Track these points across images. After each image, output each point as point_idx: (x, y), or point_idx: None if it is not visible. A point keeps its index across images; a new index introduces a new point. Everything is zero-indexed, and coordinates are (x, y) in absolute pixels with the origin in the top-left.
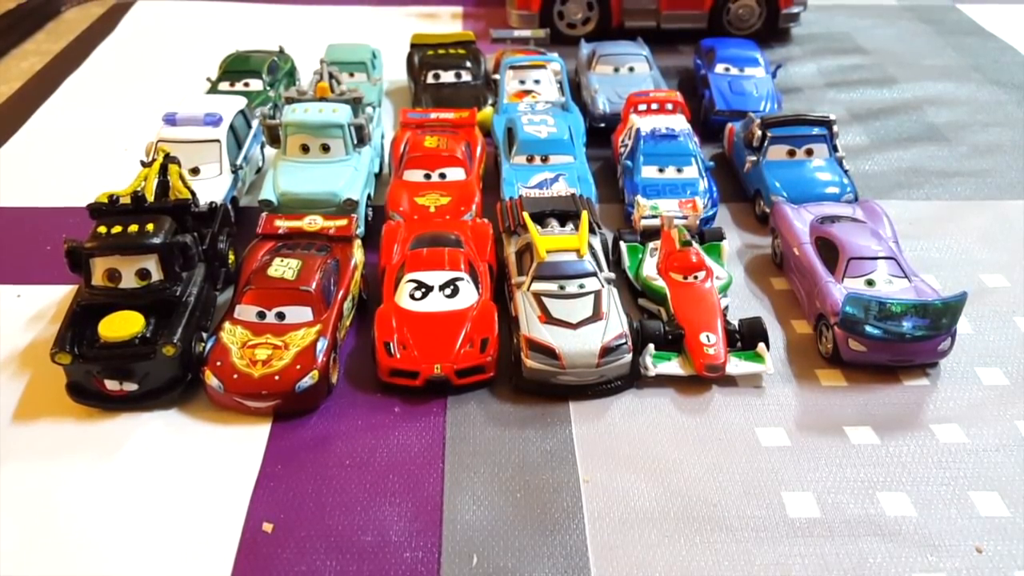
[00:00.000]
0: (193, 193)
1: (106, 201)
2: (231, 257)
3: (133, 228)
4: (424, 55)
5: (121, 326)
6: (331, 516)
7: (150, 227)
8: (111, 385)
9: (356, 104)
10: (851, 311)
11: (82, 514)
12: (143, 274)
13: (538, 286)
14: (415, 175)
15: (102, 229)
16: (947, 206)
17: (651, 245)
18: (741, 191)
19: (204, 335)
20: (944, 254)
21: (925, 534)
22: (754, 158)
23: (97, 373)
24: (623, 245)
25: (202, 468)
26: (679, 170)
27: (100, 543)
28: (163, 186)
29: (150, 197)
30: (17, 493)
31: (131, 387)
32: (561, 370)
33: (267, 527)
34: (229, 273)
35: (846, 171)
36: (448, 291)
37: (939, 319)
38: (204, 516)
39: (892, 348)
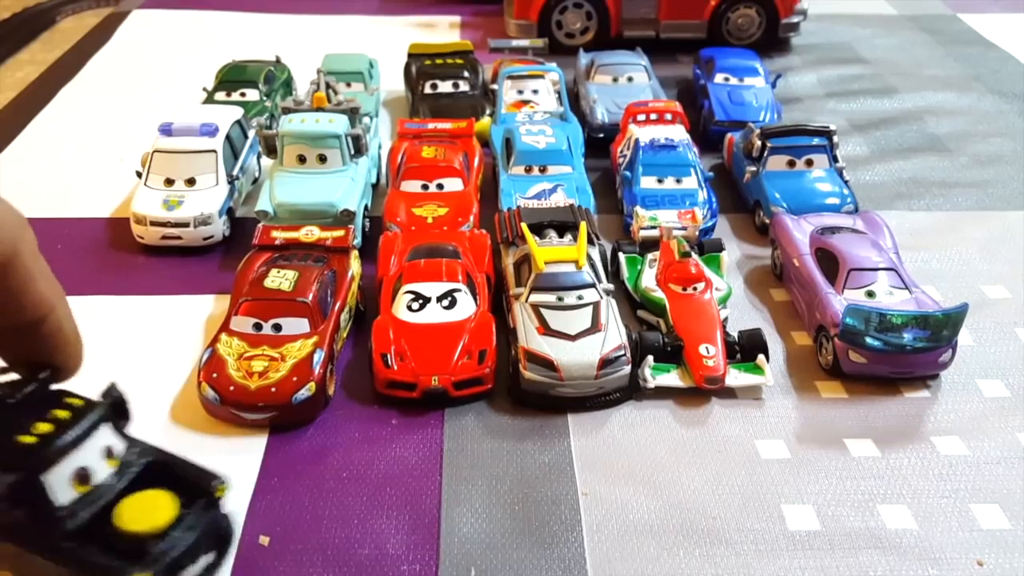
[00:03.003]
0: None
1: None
2: None
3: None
4: (422, 65)
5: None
6: (328, 529)
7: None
8: None
9: (353, 114)
10: (851, 323)
11: None
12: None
13: (536, 297)
14: (412, 186)
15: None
16: (948, 217)
17: (650, 256)
18: (741, 202)
19: None
20: (945, 265)
21: (926, 547)
22: (754, 168)
23: None
24: (622, 256)
25: None
26: (678, 181)
27: None
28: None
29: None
30: None
31: None
32: (559, 382)
33: (263, 540)
34: None
35: (846, 181)
36: (446, 302)
37: (940, 330)
38: None
39: (893, 360)
